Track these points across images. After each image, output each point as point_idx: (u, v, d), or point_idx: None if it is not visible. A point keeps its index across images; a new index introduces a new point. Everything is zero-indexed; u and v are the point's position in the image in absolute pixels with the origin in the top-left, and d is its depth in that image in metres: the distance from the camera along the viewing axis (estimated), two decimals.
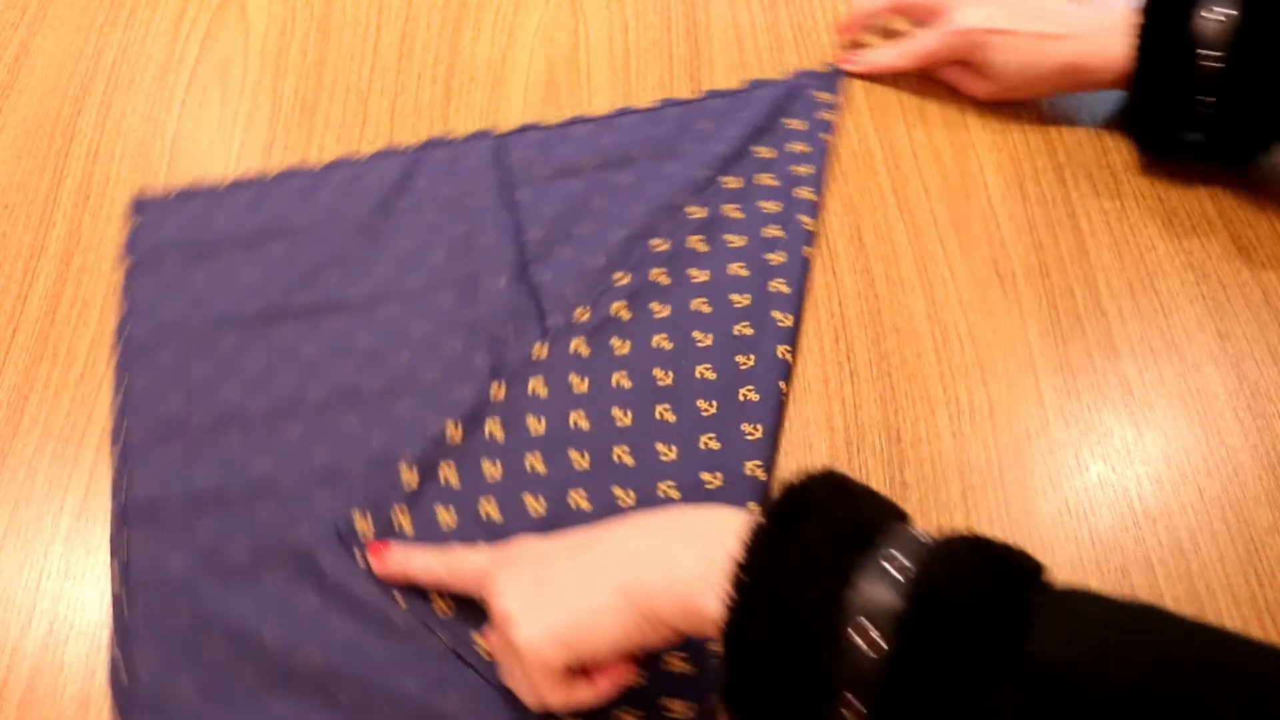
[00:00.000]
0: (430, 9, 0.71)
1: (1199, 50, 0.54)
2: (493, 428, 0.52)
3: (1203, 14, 0.54)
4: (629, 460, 0.51)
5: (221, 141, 0.64)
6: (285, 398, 0.53)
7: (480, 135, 0.63)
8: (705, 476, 0.51)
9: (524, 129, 0.63)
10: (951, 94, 0.66)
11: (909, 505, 0.50)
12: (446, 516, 0.49)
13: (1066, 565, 0.49)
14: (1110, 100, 0.65)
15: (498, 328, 0.55)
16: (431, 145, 0.62)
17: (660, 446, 0.52)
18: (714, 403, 0.53)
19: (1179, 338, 0.56)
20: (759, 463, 0.51)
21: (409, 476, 0.50)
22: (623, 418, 0.52)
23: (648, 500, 0.50)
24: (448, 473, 0.51)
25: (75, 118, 0.66)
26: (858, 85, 0.67)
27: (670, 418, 0.53)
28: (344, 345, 0.55)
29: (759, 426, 0.52)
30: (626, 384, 0.54)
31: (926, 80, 0.66)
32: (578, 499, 0.50)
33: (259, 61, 0.68)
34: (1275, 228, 0.60)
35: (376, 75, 0.68)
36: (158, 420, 0.52)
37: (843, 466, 0.52)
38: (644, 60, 0.68)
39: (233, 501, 0.50)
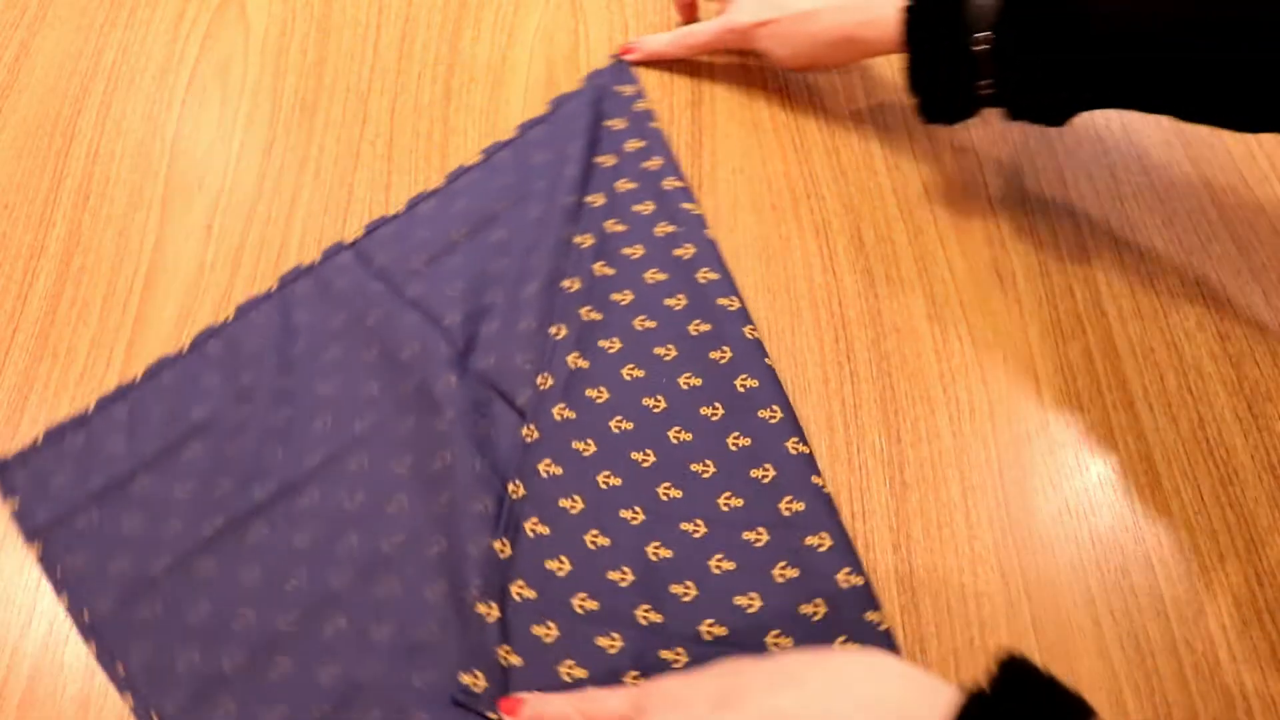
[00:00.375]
0: (430, 9, 0.71)
1: (971, 35, 0.52)
2: (534, 527, 0.49)
3: None
4: (676, 493, 0.50)
5: (221, 141, 0.64)
6: (308, 596, 0.48)
7: (334, 250, 0.58)
8: (756, 474, 0.50)
9: (370, 228, 0.59)
10: None
11: (909, 505, 0.51)
12: (546, 630, 0.46)
13: (1066, 565, 0.49)
14: None
15: (474, 427, 0.51)
16: (289, 280, 0.57)
17: (695, 467, 0.51)
18: (716, 405, 0.53)
19: (1179, 338, 0.56)
20: (795, 439, 0.51)
21: (489, 611, 0.46)
22: (645, 458, 0.51)
23: (718, 522, 0.49)
24: (522, 590, 0.47)
25: (75, 118, 0.66)
26: (858, 86, 0.67)
27: (686, 436, 0.52)
28: (335, 517, 0.50)
29: (775, 409, 0.52)
30: (628, 425, 0.52)
31: None
32: (656, 551, 0.49)
33: (259, 61, 0.68)
34: (1275, 227, 0.60)
35: (376, 75, 0.68)
36: (184, 688, 0.45)
37: (843, 466, 0.52)
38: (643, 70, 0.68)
39: None
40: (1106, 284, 0.58)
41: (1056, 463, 0.52)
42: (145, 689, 0.45)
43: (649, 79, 0.67)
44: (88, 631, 0.47)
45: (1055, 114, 0.54)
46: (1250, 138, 0.64)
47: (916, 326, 0.57)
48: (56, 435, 0.52)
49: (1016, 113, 0.55)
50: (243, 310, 0.56)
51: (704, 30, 0.65)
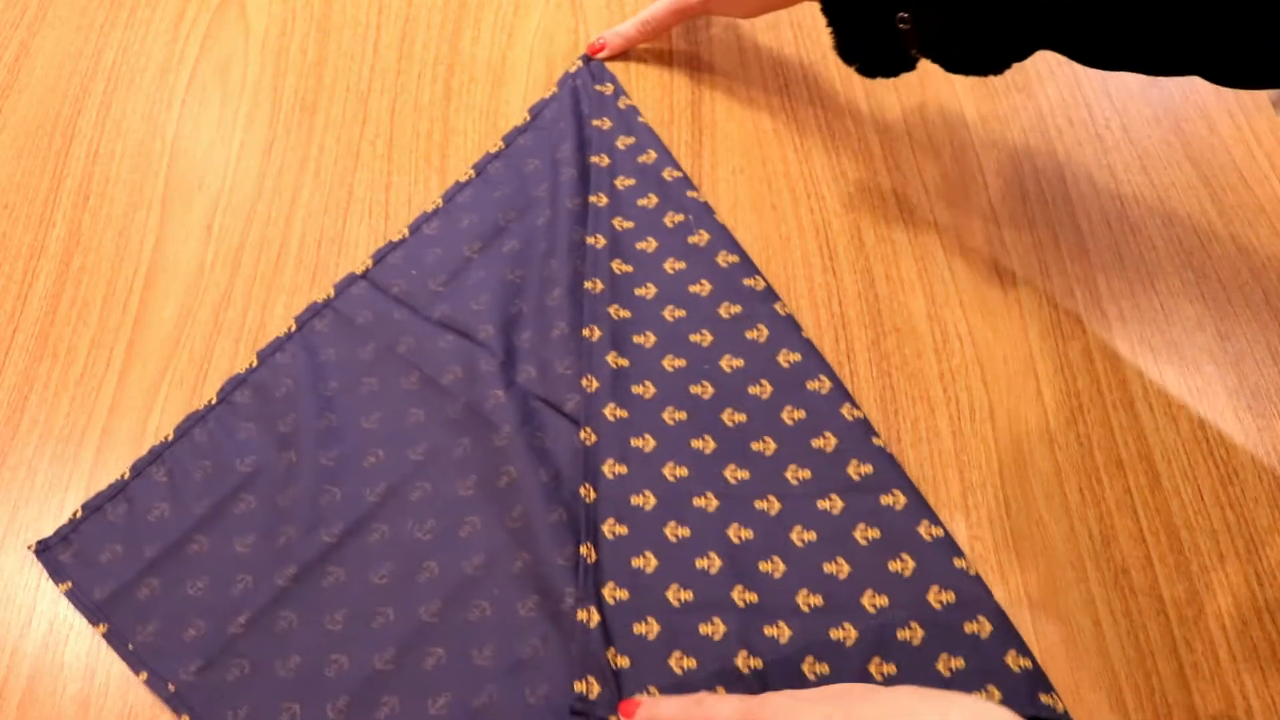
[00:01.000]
0: (430, 9, 0.71)
1: (893, 10, 0.52)
2: (613, 528, 0.49)
3: None
4: (743, 474, 0.51)
5: (221, 142, 0.64)
6: (400, 631, 0.47)
7: (347, 281, 0.57)
8: (817, 444, 0.51)
9: (379, 256, 0.58)
10: (952, 93, 0.66)
11: None
12: (647, 627, 0.47)
13: (1066, 565, 0.49)
14: (1111, 102, 0.65)
15: (530, 440, 0.52)
16: (307, 318, 0.56)
17: (756, 446, 0.52)
18: (764, 383, 0.53)
19: (1179, 338, 0.56)
20: (848, 405, 0.52)
21: (589, 617, 0.47)
22: (704, 445, 0.52)
23: (791, 496, 0.50)
24: (614, 592, 0.48)
25: (75, 118, 0.66)
26: (858, 86, 0.67)
27: (740, 418, 0.52)
28: (410, 548, 0.50)
29: (822, 378, 0.53)
30: (681, 415, 0.53)
31: (926, 78, 0.66)
32: (737, 533, 0.49)
33: (259, 61, 0.68)
34: (1275, 227, 0.60)
35: (376, 75, 0.68)
36: None
37: None
38: (643, 59, 0.68)
39: None
40: (1106, 284, 0.58)
41: (1056, 463, 0.52)
42: None
43: (648, 79, 0.67)
44: (177, 704, 0.46)
45: (988, 66, 0.54)
46: (1250, 138, 0.64)
47: (916, 326, 0.57)
48: (95, 507, 0.50)
49: (950, 67, 0.54)
50: (264, 355, 0.55)
51: (661, 9, 0.66)
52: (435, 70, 0.68)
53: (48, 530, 0.50)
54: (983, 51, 0.52)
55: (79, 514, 0.50)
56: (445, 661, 0.47)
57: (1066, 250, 0.59)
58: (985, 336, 0.56)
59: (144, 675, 0.46)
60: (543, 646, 0.47)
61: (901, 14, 0.51)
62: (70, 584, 0.49)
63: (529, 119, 0.65)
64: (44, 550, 0.50)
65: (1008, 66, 0.53)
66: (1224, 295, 0.58)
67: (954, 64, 0.53)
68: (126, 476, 0.51)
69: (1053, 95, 0.66)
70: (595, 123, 0.64)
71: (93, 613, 0.48)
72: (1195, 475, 0.52)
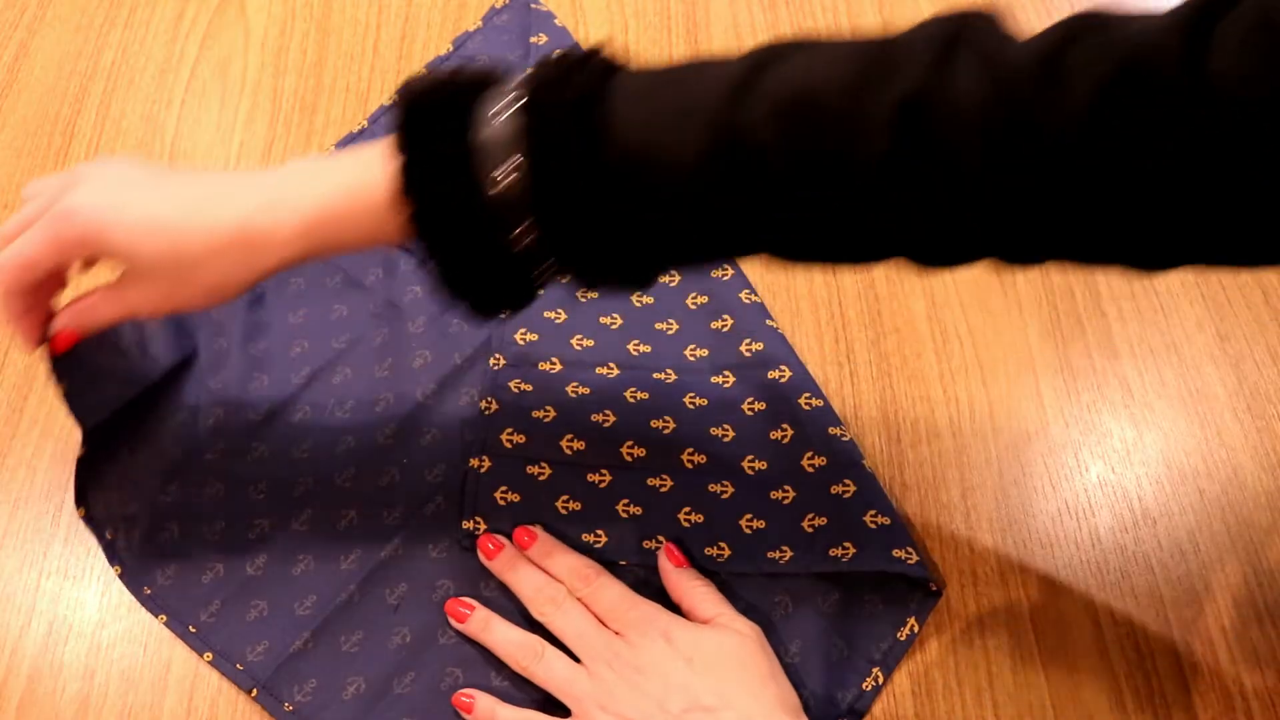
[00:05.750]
0: (430, 9, 0.71)
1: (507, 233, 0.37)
2: (518, 385, 0.53)
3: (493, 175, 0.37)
4: (645, 348, 0.55)
5: (221, 142, 0.64)
6: (318, 497, 0.51)
7: None
8: (715, 325, 0.55)
9: None
10: None
11: (909, 505, 0.51)
12: (539, 470, 0.51)
13: (1066, 566, 0.49)
14: None
15: (447, 327, 0.56)
16: None
17: (660, 325, 0.55)
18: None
19: (1179, 338, 0.56)
20: (746, 291, 0.56)
21: (481, 463, 0.51)
22: (612, 321, 0.56)
23: (685, 371, 0.53)
24: (511, 436, 0.52)
25: (75, 118, 0.66)
26: None
27: (648, 300, 0.57)
28: (330, 425, 0.53)
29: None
30: (593, 293, 0.45)
31: None
32: (633, 395, 0.53)
33: (259, 61, 0.68)
34: None
35: (376, 75, 0.68)
36: (214, 598, 0.49)
37: None
38: (644, 60, 0.68)
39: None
40: (1106, 284, 0.58)
41: (1056, 463, 0.52)
42: (176, 605, 0.49)
43: None
44: (111, 557, 0.50)
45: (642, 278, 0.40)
46: None
47: (916, 326, 0.57)
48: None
49: (589, 282, 0.40)
50: None
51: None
52: None
53: (46, 530, 0.50)
54: (603, 244, 0.38)
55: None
56: (357, 522, 0.51)
57: None
58: (985, 336, 0.56)
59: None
60: (446, 505, 0.51)
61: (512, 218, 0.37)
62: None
63: (452, 49, 0.68)
64: None
65: (647, 279, 0.40)
66: (1224, 295, 0.58)
67: (585, 272, 0.39)
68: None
69: None
70: (533, 39, 0.67)
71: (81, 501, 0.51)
72: (1195, 476, 0.52)
